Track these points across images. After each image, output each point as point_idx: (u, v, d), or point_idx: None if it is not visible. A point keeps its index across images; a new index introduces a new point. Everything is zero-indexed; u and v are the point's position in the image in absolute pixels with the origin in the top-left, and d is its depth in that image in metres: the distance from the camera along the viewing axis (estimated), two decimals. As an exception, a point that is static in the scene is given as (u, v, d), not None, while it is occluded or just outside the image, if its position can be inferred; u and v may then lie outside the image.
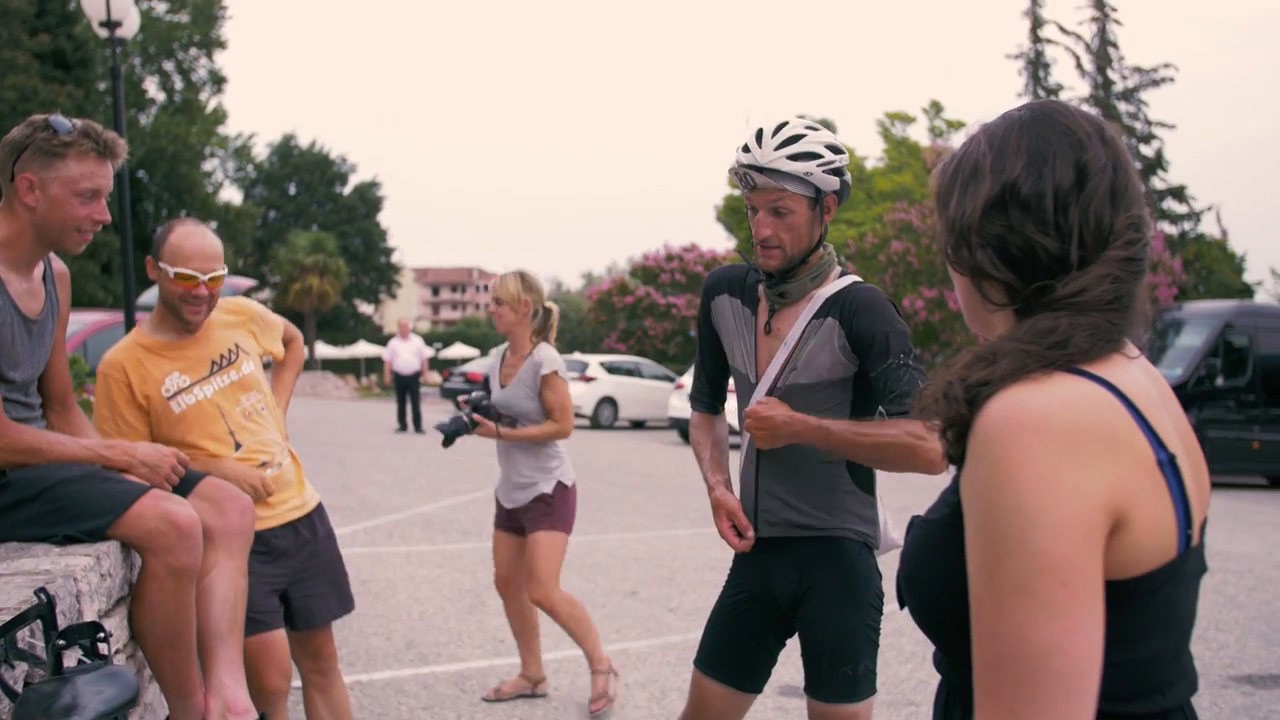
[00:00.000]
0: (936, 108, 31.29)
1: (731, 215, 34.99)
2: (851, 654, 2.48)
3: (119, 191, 10.32)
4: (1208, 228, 37.24)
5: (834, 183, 2.50)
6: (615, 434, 22.76)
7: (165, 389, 3.13)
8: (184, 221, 3.19)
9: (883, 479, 2.71)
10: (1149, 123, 36.19)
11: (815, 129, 2.51)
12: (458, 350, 57.72)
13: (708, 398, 2.86)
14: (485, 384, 4.80)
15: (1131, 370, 1.17)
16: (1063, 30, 36.75)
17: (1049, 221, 1.18)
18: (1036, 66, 37.18)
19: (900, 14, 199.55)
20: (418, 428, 19.79)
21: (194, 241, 3.11)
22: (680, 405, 20.24)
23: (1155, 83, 36.10)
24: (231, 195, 57.26)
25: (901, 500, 2.93)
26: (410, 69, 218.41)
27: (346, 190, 61.38)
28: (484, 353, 55.29)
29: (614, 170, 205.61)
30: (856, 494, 2.57)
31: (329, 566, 3.43)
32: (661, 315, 34.54)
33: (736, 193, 34.23)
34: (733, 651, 2.64)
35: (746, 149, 2.50)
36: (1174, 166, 39.98)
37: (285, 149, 60.20)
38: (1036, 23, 37.36)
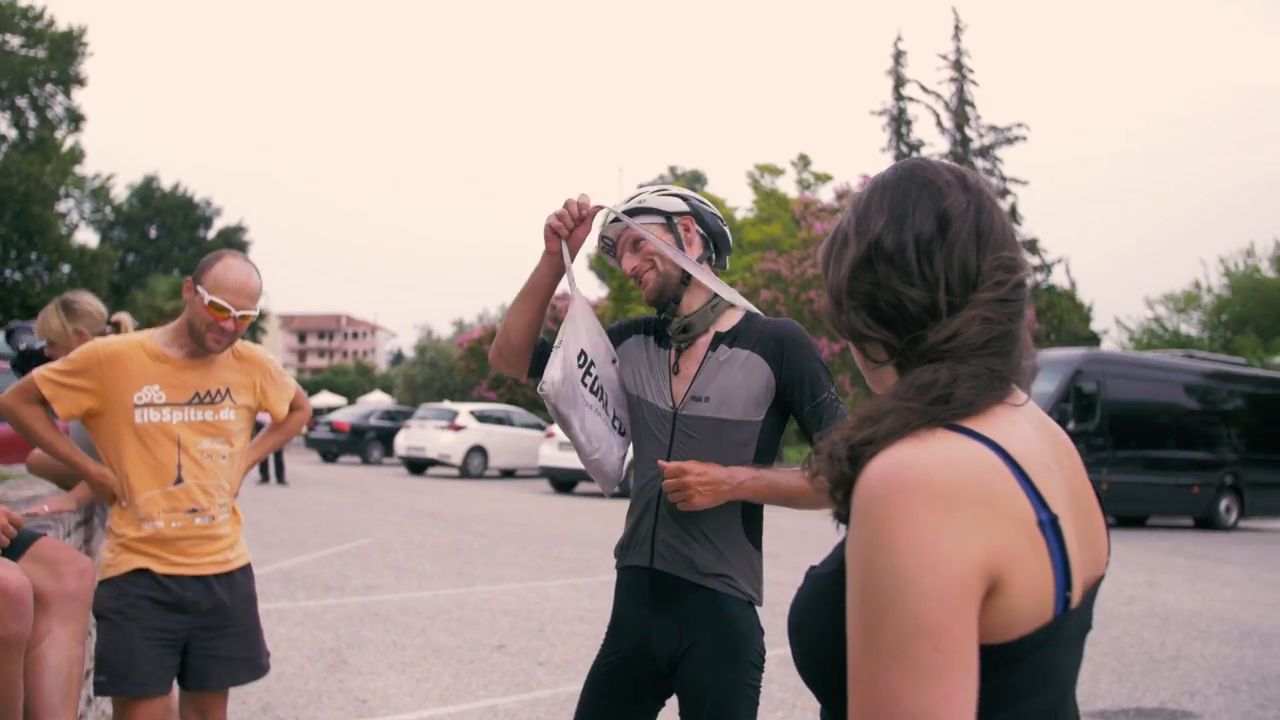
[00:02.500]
0: (804, 160, 32.17)
1: (604, 264, 35.22)
2: (731, 714, 2.42)
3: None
4: (1058, 279, 39.01)
5: (676, 203, 2.58)
6: (485, 483, 22.52)
7: (139, 396, 3.07)
8: (234, 254, 3.22)
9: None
10: (1004, 179, 37.87)
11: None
12: (324, 399, 56.55)
13: None
14: None
15: (1017, 423, 1.16)
16: (924, 89, 38.31)
17: (914, 272, 1.19)
18: (899, 123, 38.61)
19: (770, 69, 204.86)
20: (280, 479, 19.24)
21: (236, 276, 3.14)
22: (551, 454, 20.14)
23: (1009, 140, 37.86)
24: (88, 237, 54.98)
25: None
26: (279, 111, 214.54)
27: (210, 234, 59.74)
28: (351, 401, 54.24)
29: (486, 216, 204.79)
30: (747, 546, 2.52)
31: (243, 630, 3.25)
32: (534, 363, 34.39)
33: (609, 241, 34.54)
34: (610, 714, 2.58)
35: (609, 206, 2.63)
36: (1027, 221, 41.85)
37: (146, 191, 58.29)
38: (899, 81, 38.86)
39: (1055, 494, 1.11)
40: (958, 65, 38.25)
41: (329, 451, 30.40)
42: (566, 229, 2.54)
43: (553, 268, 2.58)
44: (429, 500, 17.43)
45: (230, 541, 3.24)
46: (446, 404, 27.08)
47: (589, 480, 18.73)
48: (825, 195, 30.35)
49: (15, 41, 38.90)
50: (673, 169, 55.51)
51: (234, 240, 59.98)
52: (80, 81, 40.00)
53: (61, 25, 39.28)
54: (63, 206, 43.52)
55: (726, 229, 2.69)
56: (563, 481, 20.51)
